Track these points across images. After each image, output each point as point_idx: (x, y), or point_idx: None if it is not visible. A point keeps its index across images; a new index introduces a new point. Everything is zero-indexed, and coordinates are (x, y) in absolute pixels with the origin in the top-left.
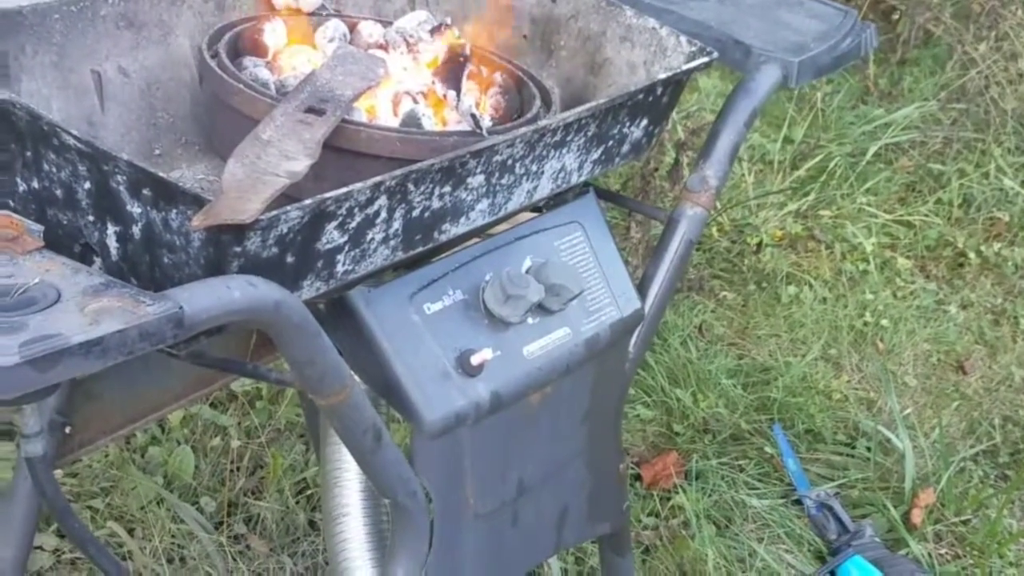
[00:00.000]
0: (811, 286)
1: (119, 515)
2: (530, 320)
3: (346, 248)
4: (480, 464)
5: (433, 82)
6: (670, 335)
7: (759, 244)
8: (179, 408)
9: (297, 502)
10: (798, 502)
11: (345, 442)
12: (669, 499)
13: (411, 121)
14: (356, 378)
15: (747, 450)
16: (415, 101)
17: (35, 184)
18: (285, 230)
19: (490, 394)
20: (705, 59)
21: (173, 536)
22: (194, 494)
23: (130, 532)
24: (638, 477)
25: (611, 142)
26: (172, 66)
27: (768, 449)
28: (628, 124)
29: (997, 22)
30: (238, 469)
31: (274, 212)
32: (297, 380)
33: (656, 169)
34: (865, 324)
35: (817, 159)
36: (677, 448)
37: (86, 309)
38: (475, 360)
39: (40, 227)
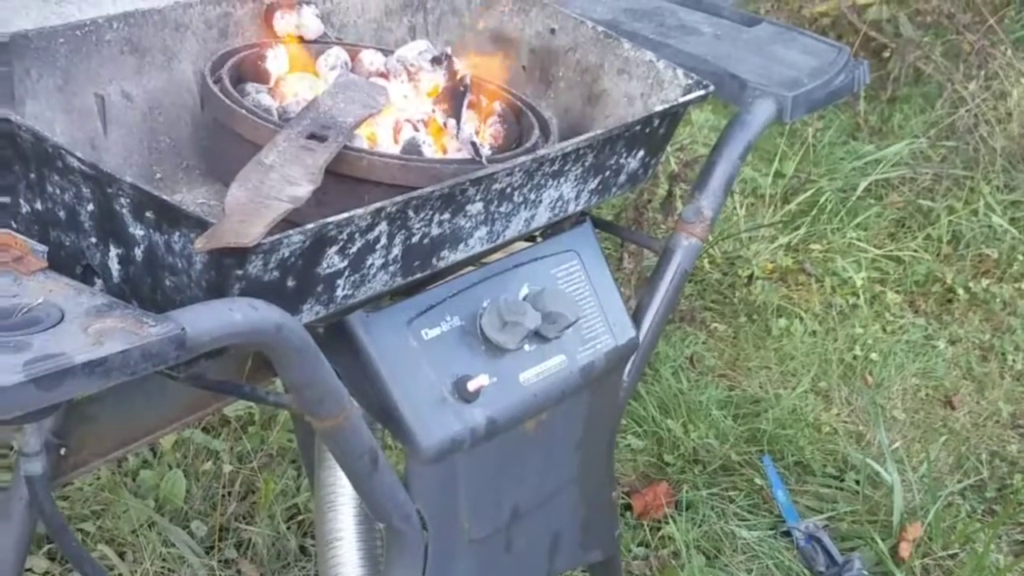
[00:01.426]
0: (801, 319)
1: (110, 538)
2: (526, 347)
3: (346, 273)
4: (475, 490)
5: (433, 110)
6: (661, 365)
7: (750, 277)
8: (173, 432)
9: (288, 527)
10: (787, 534)
11: (342, 465)
12: (659, 529)
13: (412, 148)
14: (354, 402)
15: (737, 481)
16: (416, 129)
17: (38, 205)
18: (287, 254)
19: (486, 420)
20: (701, 92)
21: (164, 560)
22: (185, 518)
23: (121, 555)
24: (628, 507)
25: (608, 172)
26: (174, 91)
27: (758, 480)
28: (625, 155)
29: (987, 61)
30: (230, 494)
31: (276, 236)
32: (295, 403)
33: (649, 201)
34: (855, 358)
35: (808, 193)
36: (667, 478)
37: (89, 329)
38: (472, 386)
39: (44, 248)
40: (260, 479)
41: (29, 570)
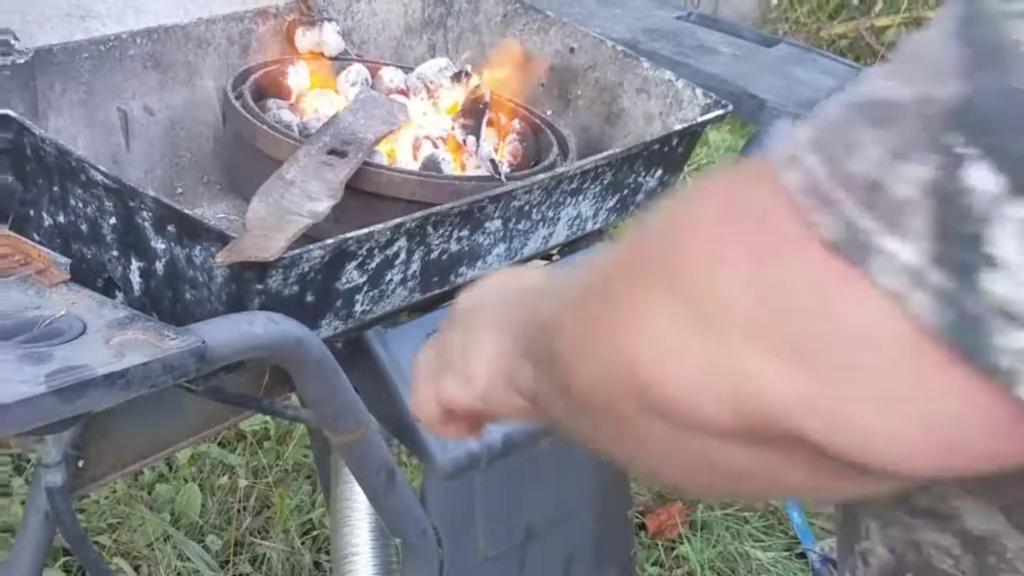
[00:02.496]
0: None
1: (125, 551)
2: None
3: (365, 288)
4: (490, 507)
5: (452, 127)
6: None
7: None
8: (189, 446)
9: (303, 543)
10: (802, 555)
11: (359, 481)
12: (673, 549)
13: (431, 165)
14: (372, 417)
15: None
16: (435, 146)
17: (61, 218)
18: (306, 269)
19: (503, 437)
20: (720, 112)
21: (179, 574)
22: (200, 532)
23: (136, 569)
24: (642, 526)
25: (626, 191)
26: (196, 106)
27: (773, 501)
28: (643, 173)
29: None
30: (245, 508)
31: (296, 251)
32: (313, 417)
33: None
34: None
35: None
36: (682, 498)
37: (111, 342)
38: None
39: (67, 260)
40: (275, 494)
41: None
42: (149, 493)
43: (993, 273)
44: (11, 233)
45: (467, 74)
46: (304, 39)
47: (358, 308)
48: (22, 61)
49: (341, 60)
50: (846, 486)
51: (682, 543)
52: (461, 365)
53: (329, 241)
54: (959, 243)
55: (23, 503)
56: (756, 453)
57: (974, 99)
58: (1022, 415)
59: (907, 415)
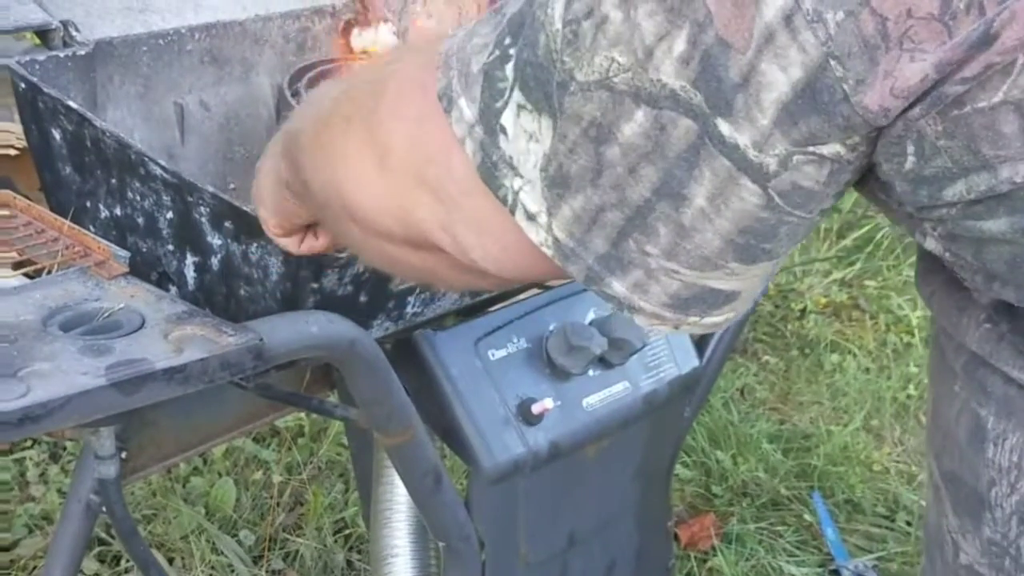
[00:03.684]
0: (855, 355)
1: (159, 543)
2: (591, 372)
3: (417, 290)
4: (534, 513)
5: None
6: (712, 396)
7: (803, 310)
8: (229, 440)
9: (336, 541)
10: (836, 572)
11: (405, 482)
12: (706, 561)
13: None
14: (420, 419)
15: (786, 516)
16: None
17: (118, 211)
18: (361, 269)
19: (548, 443)
20: None
21: (212, 567)
22: (234, 527)
23: (170, 561)
24: (675, 537)
25: None
26: (251, 102)
27: (807, 516)
28: None
29: None
30: (278, 504)
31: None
32: (363, 418)
33: None
34: (908, 397)
35: (864, 229)
36: (715, 510)
37: (170, 336)
38: (536, 409)
39: (127, 253)
40: (309, 491)
41: (80, 571)
42: (184, 486)
43: (504, 135)
44: (73, 225)
45: None
46: (359, 39)
47: (409, 310)
48: (83, 53)
49: None
50: (482, 282)
51: (715, 555)
52: (254, 193)
53: None
54: (491, 110)
55: (59, 491)
56: (421, 256)
57: (520, 12)
58: (520, 236)
59: (481, 235)
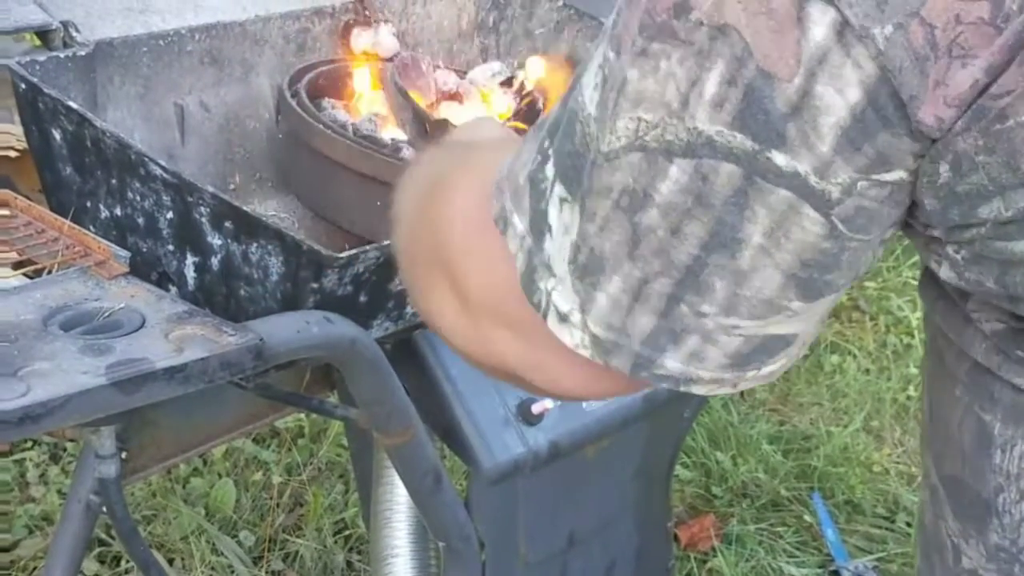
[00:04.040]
0: (855, 356)
1: (159, 544)
2: None
3: None
4: (534, 513)
5: None
6: (712, 397)
7: None
8: (229, 441)
9: (336, 542)
10: (836, 573)
11: (405, 482)
12: (706, 562)
13: None
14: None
15: (786, 517)
16: None
17: (118, 211)
18: (361, 269)
19: (548, 443)
20: None
21: (212, 568)
22: (234, 527)
23: (170, 562)
24: (675, 538)
25: None
26: (251, 103)
27: (807, 517)
28: None
29: None
30: (278, 505)
31: (353, 251)
32: (363, 418)
33: None
34: (908, 398)
35: None
36: (715, 511)
37: (170, 336)
38: (535, 409)
39: (127, 253)
40: (309, 492)
41: (80, 572)
42: (184, 487)
43: (549, 234)
44: (72, 225)
45: (519, 79)
46: (359, 40)
47: (409, 310)
48: (83, 53)
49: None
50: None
51: (715, 556)
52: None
53: (385, 242)
54: (538, 213)
55: (59, 492)
56: (512, 376)
57: (556, 117)
58: (551, 340)
59: (547, 367)
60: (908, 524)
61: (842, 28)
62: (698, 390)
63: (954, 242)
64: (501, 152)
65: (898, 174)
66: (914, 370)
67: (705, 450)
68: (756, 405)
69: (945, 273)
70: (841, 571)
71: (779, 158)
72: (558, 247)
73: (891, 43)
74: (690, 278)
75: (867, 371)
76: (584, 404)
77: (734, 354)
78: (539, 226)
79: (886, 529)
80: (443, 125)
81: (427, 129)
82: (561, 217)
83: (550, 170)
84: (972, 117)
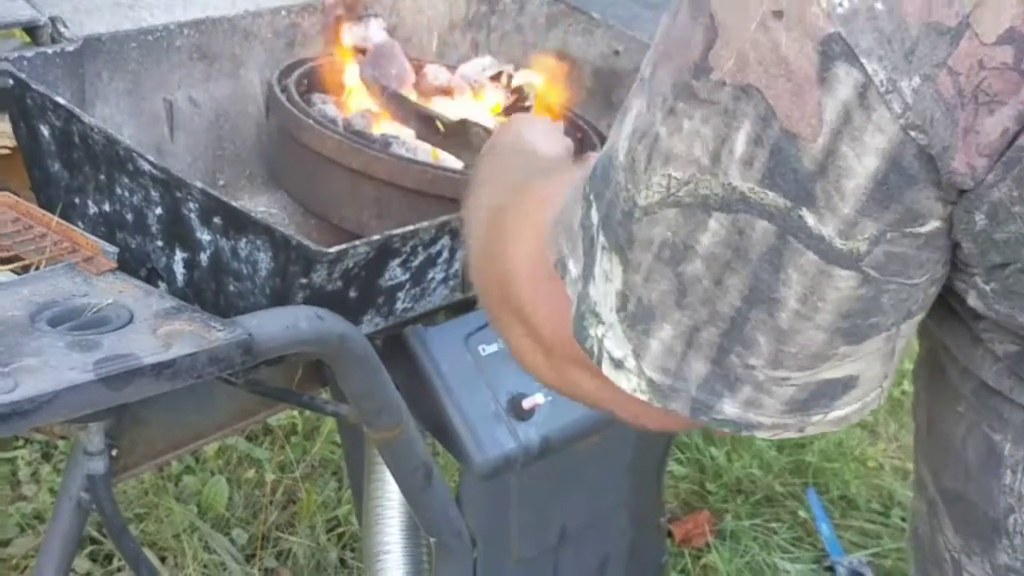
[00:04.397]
0: None
1: (152, 542)
2: None
3: (407, 285)
4: (525, 509)
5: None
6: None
7: None
8: (221, 438)
9: (329, 539)
10: (831, 568)
11: (396, 478)
12: (700, 558)
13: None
14: (410, 415)
15: (780, 513)
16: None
17: (106, 207)
18: (351, 264)
19: (539, 439)
20: None
21: (205, 566)
22: (227, 525)
23: (162, 560)
24: (669, 534)
25: None
26: (240, 99)
27: (802, 513)
28: None
29: None
30: (271, 503)
31: (342, 246)
32: (353, 413)
33: None
34: (903, 393)
35: None
36: (709, 507)
37: (158, 331)
38: (527, 404)
39: (115, 249)
40: (302, 489)
41: (72, 570)
42: (176, 484)
43: (593, 282)
44: (60, 220)
45: (510, 74)
46: (349, 34)
47: (399, 305)
48: (71, 49)
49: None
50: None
51: (709, 552)
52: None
53: (375, 237)
54: (589, 259)
55: (51, 490)
56: (605, 412)
57: (598, 160)
58: (605, 381)
59: (543, 372)
60: (903, 519)
61: (864, 90)
62: (763, 434)
63: (988, 277)
64: (556, 179)
65: (932, 225)
66: (909, 365)
67: (699, 446)
68: None
69: (973, 301)
70: (836, 566)
71: (809, 218)
72: (602, 294)
73: (919, 95)
74: (735, 330)
75: None
76: None
77: (790, 401)
78: (588, 272)
79: (881, 524)
80: (461, 127)
81: (441, 129)
82: (601, 264)
83: (595, 216)
84: (1005, 167)
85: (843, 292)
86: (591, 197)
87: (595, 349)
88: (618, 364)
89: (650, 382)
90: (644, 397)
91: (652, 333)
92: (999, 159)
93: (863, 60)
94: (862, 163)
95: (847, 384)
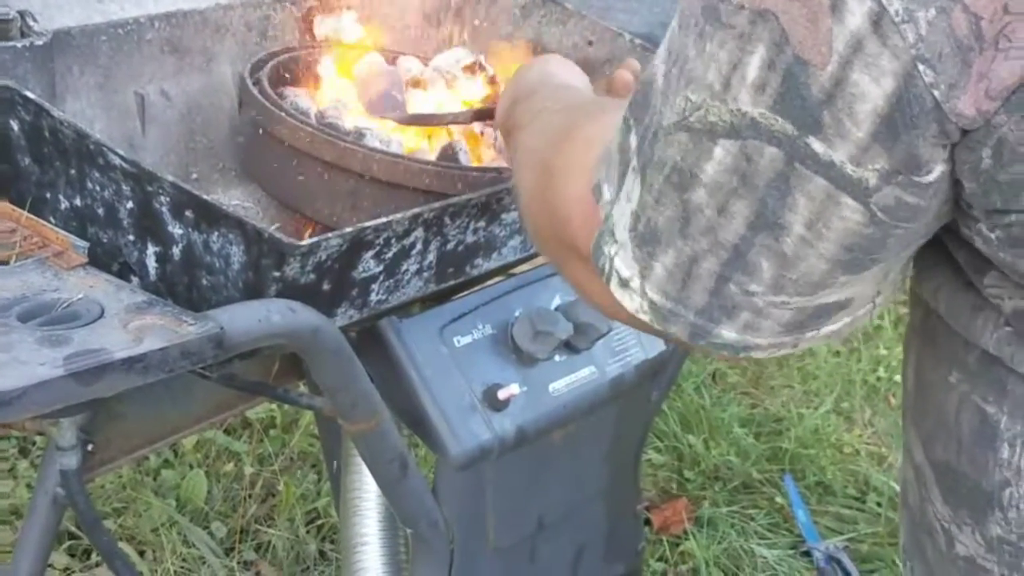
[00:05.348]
0: None
1: (130, 536)
2: (557, 357)
3: (381, 278)
4: (501, 499)
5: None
6: (684, 381)
7: None
8: (198, 432)
9: (308, 531)
10: (807, 554)
11: (371, 470)
12: (678, 545)
13: (448, 156)
14: (385, 407)
15: (757, 499)
16: (452, 136)
17: (77, 202)
18: (324, 257)
19: (515, 429)
20: None
21: (184, 560)
22: (206, 519)
23: (141, 554)
24: (648, 521)
25: None
26: (213, 92)
27: (779, 499)
28: None
29: None
30: (250, 496)
31: (315, 239)
32: (328, 406)
33: None
34: (878, 379)
35: None
36: (687, 494)
37: (129, 326)
38: (502, 395)
39: (85, 243)
40: (281, 482)
41: (50, 565)
42: (154, 478)
43: (618, 202)
44: (30, 215)
45: (484, 65)
46: (322, 26)
47: (374, 297)
48: (40, 43)
49: (359, 48)
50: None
51: (687, 539)
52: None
53: (348, 230)
54: (620, 182)
55: (28, 486)
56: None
57: (636, 92)
58: (609, 294)
59: (599, 298)
60: (879, 504)
61: (878, 18)
62: (758, 355)
63: (990, 223)
64: (601, 118)
65: (938, 170)
66: (884, 351)
67: (677, 434)
68: (728, 388)
69: (980, 246)
70: (812, 552)
71: (816, 145)
72: (620, 212)
73: (933, 27)
74: (737, 259)
75: (837, 353)
76: (551, 389)
77: (788, 323)
78: (617, 194)
79: (857, 510)
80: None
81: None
82: (626, 185)
83: (633, 140)
84: (1013, 106)
85: (849, 225)
86: (630, 121)
87: (606, 267)
88: (624, 283)
89: (652, 304)
90: (645, 318)
91: (657, 256)
92: (1009, 98)
93: None
94: (878, 86)
95: (841, 305)
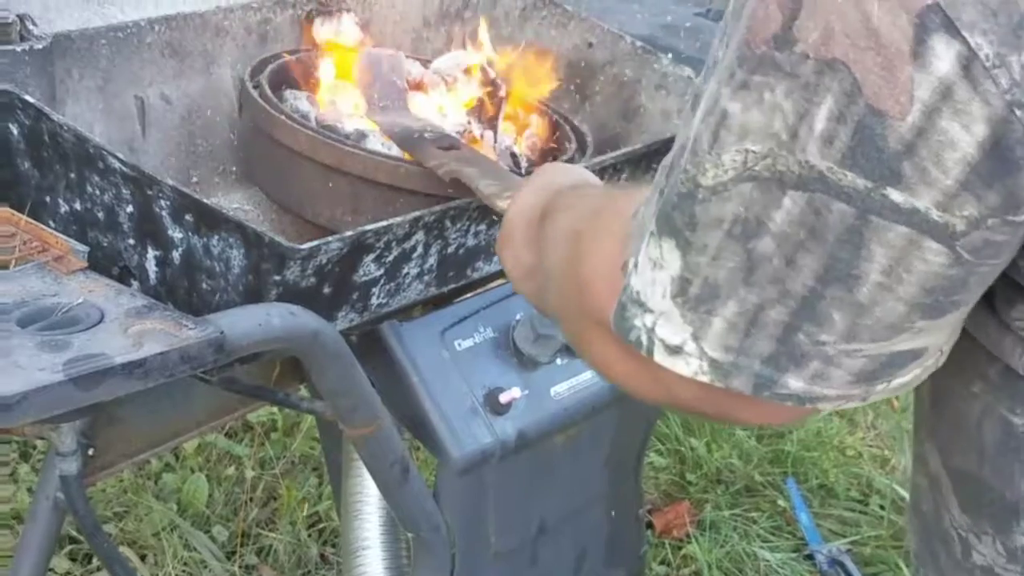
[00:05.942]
0: None
1: (132, 540)
2: (558, 361)
3: (382, 281)
4: (503, 502)
5: (469, 122)
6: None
7: None
8: (198, 436)
9: (309, 535)
10: (810, 557)
11: (372, 474)
12: (681, 548)
13: None
14: (386, 411)
15: (760, 502)
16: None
17: (77, 206)
18: (324, 260)
19: (516, 433)
20: None
21: (185, 564)
22: (207, 523)
23: (142, 558)
24: (650, 525)
25: None
26: (213, 95)
27: (781, 502)
28: None
29: None
30: (251, 500)
31: (315, 242)
32: (329, 410)
33: None
34: None
35: None
36: (689, 497)
37: (129, 330)
38: (503, 398)
39: (85, 248)
40: (282, 486)
41: (51, 570)
42: (156, 482)
43: (636, 270)
44: (29, 219)
45: (484, 68)
46: (322, 29)
47: (374, 301)
48: (40, 47)
49: (358, 51)
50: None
51: (690, 542)
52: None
53: (348, 233)
54: (636, 248)
55: (29, 490)
56: (694, 411)
57: (662, 165)
58: (649, 368)
59: (625, 376)
60: (881, 507)
61: (968, 62)
62: (825, 406)
63: None
64: (633, 194)
65: None
66: None
67: (679, 437)
68: None
69: (1017, 277)
70: (815, 554)
71: (895, 195)
72: (648, 282)
73: None
74: (806, 309)
75: None
76: (552, 393)
77: (859, 372)
78: (632, 262)
79: (859, 512)
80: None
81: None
82: (647, 252)
83: (653, 207)
84: None
85: (931, 267)
86: (655, 195)
87: (643, 339)
88: (675, 350)
89: (712, 362)
90: (705, 379)
91: (716, 312)
92: None
93: (965, 33)
94: (968, 134)
95: (916, 354)
